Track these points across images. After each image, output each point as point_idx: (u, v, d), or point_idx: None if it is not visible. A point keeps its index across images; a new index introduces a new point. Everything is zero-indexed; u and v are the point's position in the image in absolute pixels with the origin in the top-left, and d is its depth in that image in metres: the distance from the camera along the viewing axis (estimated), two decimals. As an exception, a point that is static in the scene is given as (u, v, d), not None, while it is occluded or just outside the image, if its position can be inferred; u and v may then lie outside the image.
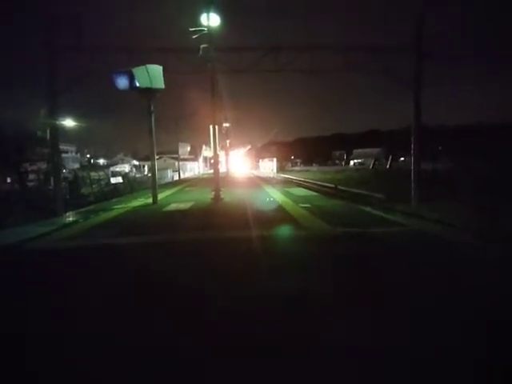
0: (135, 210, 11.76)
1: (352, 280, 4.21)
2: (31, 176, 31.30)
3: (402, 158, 66.61)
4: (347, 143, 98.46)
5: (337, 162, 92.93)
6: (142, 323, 3.23)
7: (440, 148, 56.98)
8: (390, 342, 2.74)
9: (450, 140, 52.76)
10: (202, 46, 11.64)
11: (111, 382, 2.42)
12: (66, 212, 11.89)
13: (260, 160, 43.35)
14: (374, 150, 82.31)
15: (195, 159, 73.33)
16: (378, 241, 6.28)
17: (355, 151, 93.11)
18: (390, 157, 61.74)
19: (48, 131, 15.37)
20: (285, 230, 7.14)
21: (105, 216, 10.43)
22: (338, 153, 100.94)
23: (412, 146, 12.10)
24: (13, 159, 27.11)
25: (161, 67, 11.70)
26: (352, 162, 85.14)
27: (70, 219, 10.19)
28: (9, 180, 29.69)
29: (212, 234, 7.05)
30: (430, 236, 6.67)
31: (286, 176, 29.15)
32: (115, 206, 12.75)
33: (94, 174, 30.65)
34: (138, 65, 11.40)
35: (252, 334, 2.94)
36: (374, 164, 61.35)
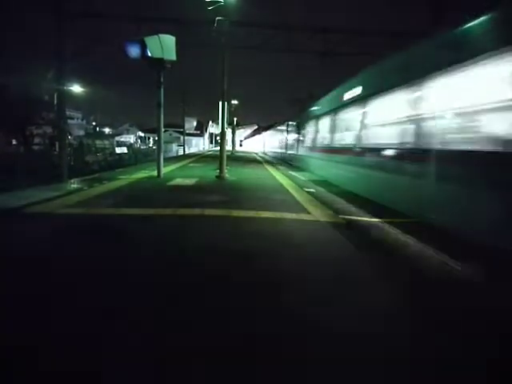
0: (139, 181, 11.80)
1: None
2: (36, 140, 31.28)
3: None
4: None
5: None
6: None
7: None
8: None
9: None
10: (217, 18, 11.32)
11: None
12: (70, 178, 11.94)
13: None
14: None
15: (201, 135, 72.92)
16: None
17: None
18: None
19: (55, 96, 15.21)
20: (289, 215, 7.16)
21: (109, 185, 10.47)
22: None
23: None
24: (19, 122, 26.99)
25: (173, 38, 11.43)
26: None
27: (75, 186, 10.24)
28: (14, 142, 29.65)
29: (215, 212, 7.08)
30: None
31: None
32: (120, 177, 12.78)
33: (99, 143, 30.59)
34: (146, 36, 11.18)
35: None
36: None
